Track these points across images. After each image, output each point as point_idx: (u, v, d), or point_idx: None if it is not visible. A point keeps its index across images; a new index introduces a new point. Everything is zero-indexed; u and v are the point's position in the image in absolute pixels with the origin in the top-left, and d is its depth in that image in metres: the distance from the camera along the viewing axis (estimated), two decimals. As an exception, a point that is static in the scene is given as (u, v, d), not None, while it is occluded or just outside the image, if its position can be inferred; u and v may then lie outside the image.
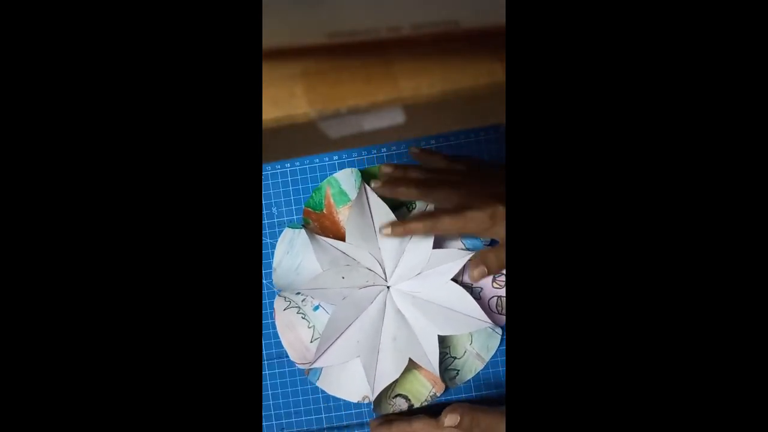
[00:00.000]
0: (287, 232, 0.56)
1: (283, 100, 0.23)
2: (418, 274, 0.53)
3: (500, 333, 0.55)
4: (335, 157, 0.57)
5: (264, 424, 0.55)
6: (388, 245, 0.54)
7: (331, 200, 0.56)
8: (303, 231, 0.55)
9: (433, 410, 0.53)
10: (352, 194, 0.55)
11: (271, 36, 0.21)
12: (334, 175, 0.56)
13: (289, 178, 0.57)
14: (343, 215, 0.56)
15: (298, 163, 0.57)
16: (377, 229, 0.54)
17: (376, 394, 0.52)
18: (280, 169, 0.57)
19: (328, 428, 0.55)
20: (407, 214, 0.55)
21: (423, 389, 0.55)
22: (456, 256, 0.53)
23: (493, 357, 0.55)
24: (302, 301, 0.56)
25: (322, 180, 0.57)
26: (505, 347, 0.55)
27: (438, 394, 0.55)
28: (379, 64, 0.23)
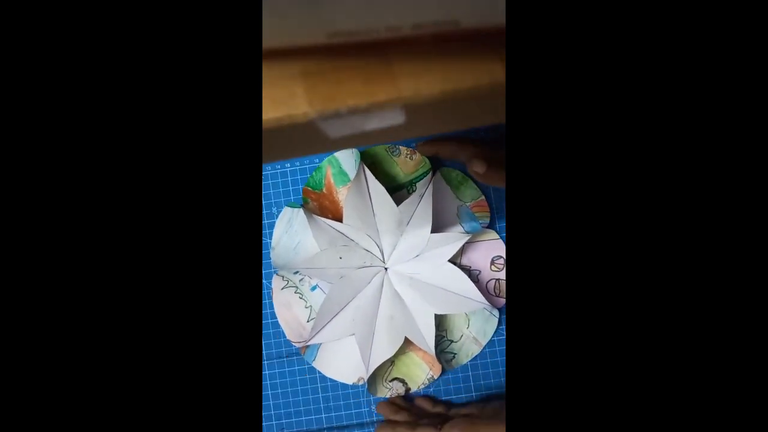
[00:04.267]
0: (286, 211, 0.56)
1: (283, 100, 0.23)
2: (417, 256, 0.53)
3: (497, 316, 0.55)
4: (335, 157, 0.57)
5: (264, 424, 0.55)
6: (387, 227, 0.54)
7: (332, 180, 0.56)
8: (301, 210, 0.55)
9: (437, 415, 0.52)
10: (353, 174, 0.55)
11: (271, 36, 0.21)
12: (335, 154, 0.56)
13: (289, 178, 0.57)
14: (343, 195, 0.55)
15: (298, 163, 0.57)
16: (375, 211, 0.53)
17: (370, 372, 0.52)
18: (280, 169, 0.57)
19: (328, 428, 0.55)
20: (406, 196, 0.54)
21: (420, 372, 0.55)
22: (454, 239, 0.53)
23: (490, 342, 0.55)
24: (300, 280, 0.56)
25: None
26: (504, 332, 0.55)
27: (435, 377, 0.54)
28: (379, 64, 0.23)
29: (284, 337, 0.56)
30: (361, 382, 0.55)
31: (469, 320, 0.55)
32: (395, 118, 0.25)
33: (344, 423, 0.55)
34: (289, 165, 0.57)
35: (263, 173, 0.57)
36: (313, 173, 0.56)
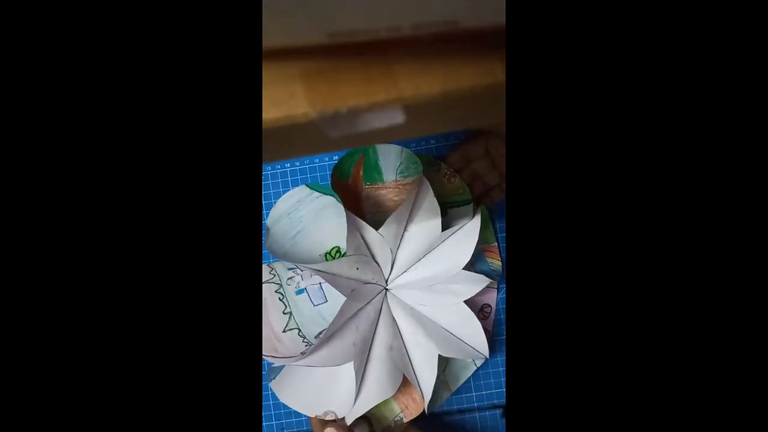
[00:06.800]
0: (296, 192, 0.49)
1: (283, 100, 0.23)
2: (429, 286, 0.49)
3: (478, 365, 0.50)
4: (335, 157, 0.57)
5: (264, 424, 0.55)
6: (406, 250, 0.49)
7: (361, 172, 0.50)
8: (320, 198, 0.48)
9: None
10: (388, 173, 0.49)
11: (271, 36, 0.21)
12: (377, 145, 0.48)
13: (289, 178, 0.57)
14: (369, 192, 0.49)
15: (298, 163, 0.57)
16: (407, 229, 0.49)
17: (362, 411, 0.44)
18: (280, 169, 0.57)
19: (328, 428, 0.55)
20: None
21: (388, 413, 0.48)
22: (477, 281, 0.48)
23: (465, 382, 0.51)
24: (288, 278, 0.48)
25: (322, 180, 0.56)
26: (471, 378, 0.51)
27: (404, 420, 0.48)
28: (379, 64, 0.23)
29: (284, 337, 0.56)
30: (329, 417, 0.46)
31: (446, 364, 0.49)
32: (395, 118, 0.25)
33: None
34: (289, 165, 0.57)
35: (263, 173, 0.57)
36: (344, 158, 0.49)
